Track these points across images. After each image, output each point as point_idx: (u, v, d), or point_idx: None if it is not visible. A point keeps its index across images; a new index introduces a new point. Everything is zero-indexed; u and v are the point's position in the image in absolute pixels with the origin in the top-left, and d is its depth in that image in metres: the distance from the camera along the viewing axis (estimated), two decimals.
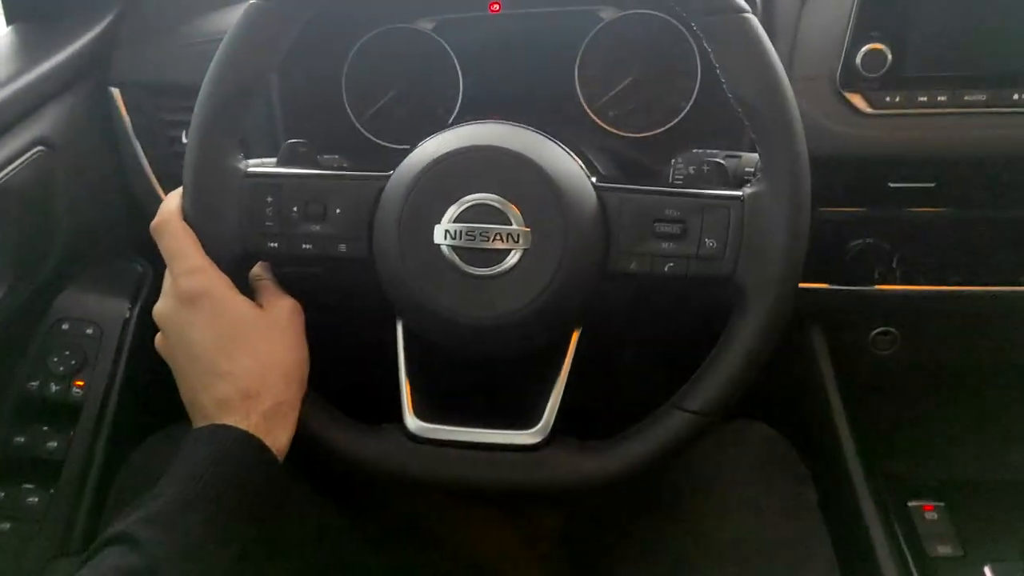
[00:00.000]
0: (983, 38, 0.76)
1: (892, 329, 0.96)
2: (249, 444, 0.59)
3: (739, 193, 0.62)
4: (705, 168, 0.66)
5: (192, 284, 0.62)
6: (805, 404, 0.97)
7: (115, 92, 0.93)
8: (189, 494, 0.56)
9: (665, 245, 0.62)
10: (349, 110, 0.96)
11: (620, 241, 0.63)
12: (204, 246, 0.64)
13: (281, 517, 0.77)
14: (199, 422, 0.62)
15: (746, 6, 0.60)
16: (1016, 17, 0.75)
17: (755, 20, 0.60)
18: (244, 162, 0.66)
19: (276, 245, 0.65)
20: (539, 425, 0.65)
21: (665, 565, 0.76)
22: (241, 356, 0.62)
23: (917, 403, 1.02)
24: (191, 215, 0.65)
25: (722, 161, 0.66)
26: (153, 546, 0.53)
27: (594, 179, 0.64)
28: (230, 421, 0.60)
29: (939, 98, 0.78)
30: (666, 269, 0.63)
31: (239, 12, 0.65)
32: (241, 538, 0.57)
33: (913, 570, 0.82)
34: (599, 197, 0.63)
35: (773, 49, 0.61)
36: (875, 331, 0.96)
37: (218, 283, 0.63)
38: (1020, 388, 1.00)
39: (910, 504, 0.88)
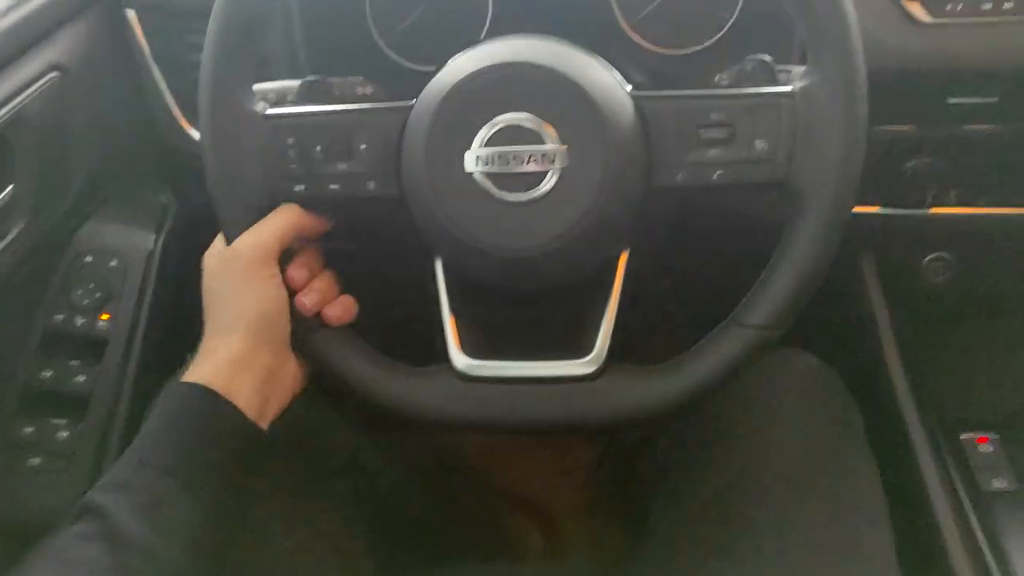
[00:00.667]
0: None
1: (946, 255, 0.92)
2: (202, 396, 0.59)
3: (789, 88, 0.57)
4: (748, 67, 0.61)
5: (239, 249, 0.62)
6: (854, 334, 0.94)
7: (131, 14, 0.90)
8: (144, 453, 0.57)
9: (712, 152, 0.58)
10: (374, 30, 0.92)
11: (664, 152, 0.59)
12: (227, 194, 0.62)
13: (312, 450, 0.76)
14: None
15: None
16: None
17: None
18: (261, 104, 0.63)
19: (303, 188, 0.62)
20: (593, 353, 0.62)
21: (704, 495, 0.73)
22: (210, 309, 0.63)
23: (971, 332, 0.98)
24: (213, 170, 0.62)
25: (767, 58, 0.61)
26: (112, 510, 0.53)
27: (630, 87, 0.60)
28: (192, 378, 0.60)
29: (1005, 5, 0.73)
30: (715, 177, 0.58)
31: None
32: (209, 490, 0.57)
33: (966, 504, 0.79)
34: (638, 107, 0.59)
35: None
36: (928, 257, 0.92)
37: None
38: None
39: (963, 436, 0.85)
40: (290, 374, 0.65)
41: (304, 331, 0.64)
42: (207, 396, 0.59)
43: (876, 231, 0.88)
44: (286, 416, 0.65)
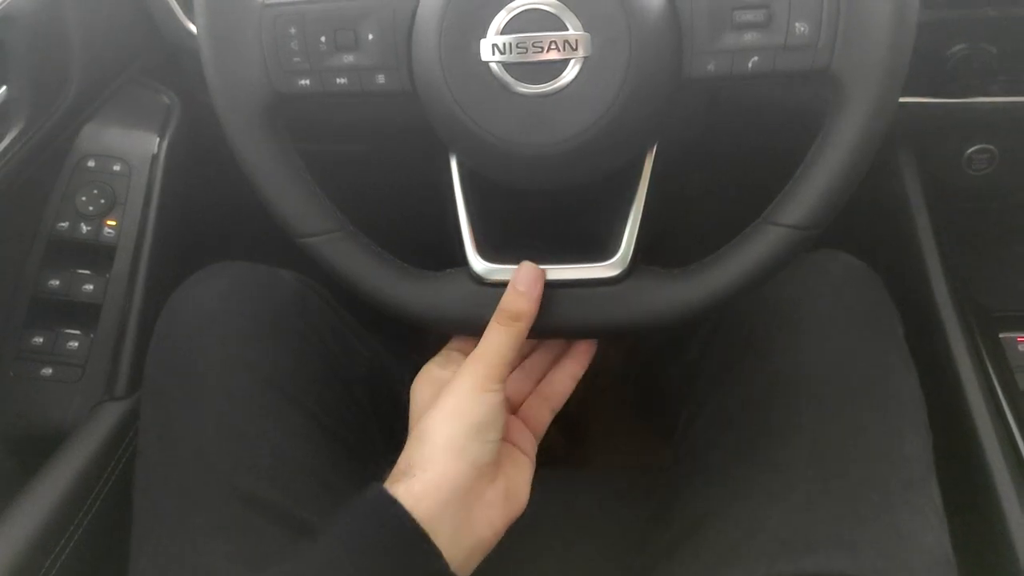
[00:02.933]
0: None
1: (991, 146, 0.87)
2: (405, 533, 0.52)
3: None
4: None
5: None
6: (892, 231, 0.90)
7: None
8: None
9: (748, 36, 0.53)
10: None
11: (694, 38, 0.54)
12: (227, 91, 0.58)
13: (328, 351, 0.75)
14: None
15: None
16: None
17: None
18: None
19: (308, 83, 0.58)
20: (618, 255, 0.59)
21: (735, 402, 0.71)
22: (419, 431, 0.57)
23: (1013, 230, 0.94)
24: (211, 65, 0.58)
25: None
26: None
27: None
28: (395, 493, 0.53)
29: None
30: (750, 65, 0.54)
31: None
32: None
33: (1004, 405, 0.77)
34: None
35: None
36: (972, 149, 0.87)
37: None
38: None
39: (1002, 336, 0.82)
40: (497, 503, 0.57)
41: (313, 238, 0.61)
42: (411, 536, 0.51)
43: (917, 123, 0.83)
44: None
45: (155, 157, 0.87)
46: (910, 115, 0.80)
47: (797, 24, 0.53)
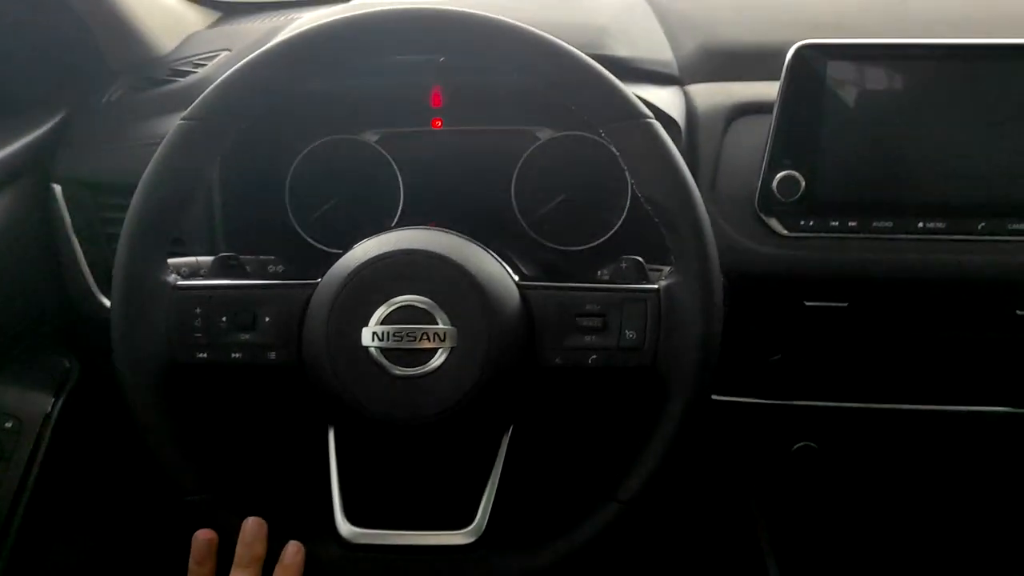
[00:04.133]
0: (890, 169, 0.82)
1: (812, 443, 0.98)
2: None
3: (655, 286, 0.65)
4: (624, 266, 0.69)
5: None
6: (726, 523, 0.98)
7: (56, 189, 0.94)
8: None
9: (588, 338, 0.65)
10: (291, 215, 0.98)
11: (545, 337, 0.65)
12: (131, 357, 0.65)
13: None
14: None
15: (648, 112, 0.65)
16: (919, 150, 0.81)
17: (658, 124, 0.64)
18: (173, 275, 0.67)
19: (205, 355, 0.66)
20: (473, 524, 0.65)
21: None
22: None
23: (839, 518, 1.03)
24: (118, 326, 0.65)
25: (640, 260, 0.69)
26: None
27: (517, 278, 0.66)
28: None
29: (849, 223, 0.83)
30: (590, 362, 0.65)
31: None
32: None
33: None
34: (523, 295, 0.65)
35: (677, 150, 0.64)
36: (797, 445, 0.99)
37: None
38: (939, 507, 1.02)
39: None
40: None
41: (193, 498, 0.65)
42: None
43: (746, 419, 0.94)
44: None
45: (48, 416, 0.90)
46: (737, 412, 0.92)
47: (627, 331, 0.64)
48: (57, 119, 0.97)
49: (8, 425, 0.88)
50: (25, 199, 0.93)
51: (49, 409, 0.91)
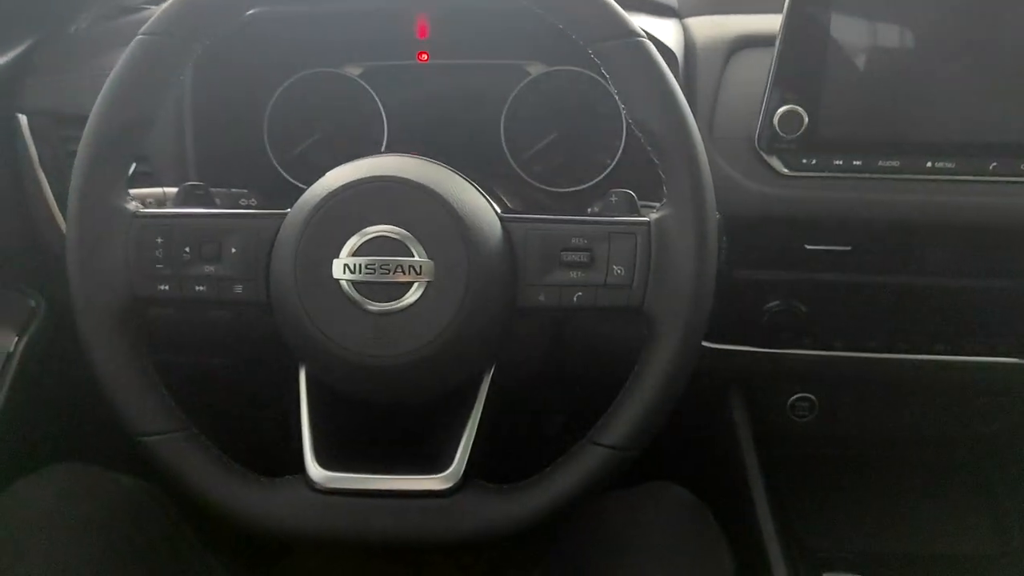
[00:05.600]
0: (898, 105, 0.77)
1: (811, 396, 0.95)
2: None
3: (645, 219, 0.61)
4: (613, 199, 0.65)
5: None
6: (723, 469, 0.95)
7: (22, 119, 0.90)
8: None
9: (573, 274, 0.60)
10: (270, 151, 0.94)
11: (528, 273, 0.61)
12: (87, 288, 0.60)
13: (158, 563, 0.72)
14: None
15: (640, 30, 0.60)
16: (928, 86, 0.77)
17: (650, 44, 0.60)
18: (133, 203, 0.63)
19: (167, 288, 0.61)
20: (450, 469, 0.61)
21: None
22: None
23: (836, 472, 1.01)
24: (73, 256, 0.61)
25: (631, 193, 0.65)
26: None
27: (499, 210, 0.62)
28: None
29: (854, 162, 0.79)
30: (575, 300, 0.60)
31: None
32: None
33: None
34: (504, 228, 0.61)
35: (670, 72, 0.60)
36: (794, 397, 0.96)
37: None
38: (936, 461, 1.00)
39: (825, 575, 0.86)
40: None
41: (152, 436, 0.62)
42: None
43: (744, 369, 0.91)
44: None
45: (10, 356, 0.87)
46: (735, 361, 0.88)
47: (615, 267, 0.60)
48: (23, 47, 0.93)
49: None
50: None
51: (11, 348, 0.87)
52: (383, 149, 0.95)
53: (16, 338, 0.88)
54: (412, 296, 0.58)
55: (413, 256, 0.58)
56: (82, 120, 0.86)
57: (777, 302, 0.86)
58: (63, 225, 0.89)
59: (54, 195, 0.90)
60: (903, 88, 0.77)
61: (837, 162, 0.79)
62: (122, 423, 0.61)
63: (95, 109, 0.62)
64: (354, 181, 0.60)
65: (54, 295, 0.94)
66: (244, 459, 0.64)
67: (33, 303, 0.92)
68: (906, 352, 0.88)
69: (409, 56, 0.94)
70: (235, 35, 0.85)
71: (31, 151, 0.90)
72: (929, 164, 0.78)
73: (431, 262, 0.58)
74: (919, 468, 1.01)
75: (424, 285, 0.58)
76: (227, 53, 0.88)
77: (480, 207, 0.61)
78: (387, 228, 0.59)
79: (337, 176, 0.62)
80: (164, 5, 0.62)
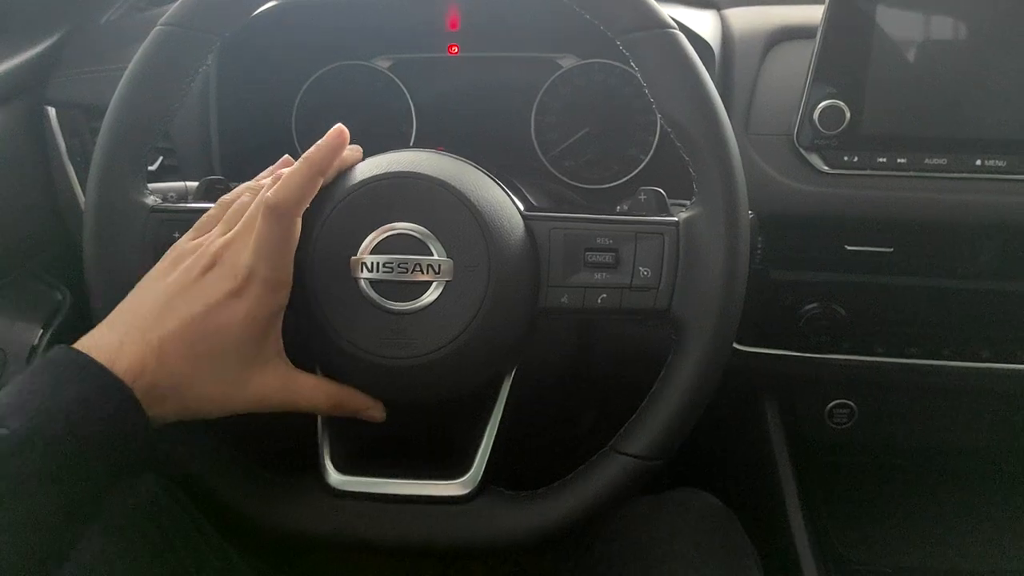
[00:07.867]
0: (945, 100, 0.74)
1: (850, 402, 0.92)
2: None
3: (674, 218, 0.58)
4: (642, 197, 0.62)
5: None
6: (755, 477, 0.92)
7: (51, 112, 0.90)
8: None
9: (598, 275, 0.58)
10: (297, 144, 0.93)
11: (550, 274, 0.58)
12: (105, 288, 0.59)
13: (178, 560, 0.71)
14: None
15: (670, 21, 0.57)
16: (978, 80, 0.73)
17: (681, 36, 0.57)
18: (151, 197, 0.62)
19: None
20: (468, 474, 0.59)
21: None
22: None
23: (874, 482, 0.97)
24: (89, 249, 0.60)
25: (661, 191, 0.62)
26: None
27: (522, 207, 0.60)
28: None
29: (899, 160, 0.76)
30: (599, 302, 0.58)
31: None
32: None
33: None
34: (527, 227, 0.59)
35: (702, 65, 0.57)
36: (832, 403, 0.92)
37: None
38: (980, 473, 0.96)
39: None
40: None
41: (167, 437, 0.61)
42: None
43: (780, 374, 0.88)
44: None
45: (35, 348, 0.87)
46: (771, 365, 0.85)
47: (641, 268, 0.57)
48: (54, 39, 0.93)
49: None
50: (19, 121, 0.89)
51: (36, 341, 0.87)
52: (411, 143, 0.93)
53: (41, 331, 0.88)
54: (430, 296, 0.56)
55: (432, 255, 0.56)
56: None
57: (815, 304, 0.83)
58: None
59: (82, 187, 0.90)
60: (952, 82, 0.73)
61: (880, 159, 0.76)
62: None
63: (113, 102, 0.61)
64: (372, 177, 0.58)
65: (80, 287, 0.94)
66: (261, 460, 0.63)
67: (59, 296, 0.92)
68: (950, 359, 0.84)
69: (439, 49, 0.92)
70: (263, 28, 0.85)
71: (59, 143, 0.90)
72: (978, 162, 0.75)
73: (450, 261, 0.56)
74: (962, 480, 0.97)
75: (443, 285, 0.56)
76: (254, 46, 0.87)
77: (502, 204, 0.59)
78: (406, 226, 0.57)
79: (358, 171, 0.60)
80: None
